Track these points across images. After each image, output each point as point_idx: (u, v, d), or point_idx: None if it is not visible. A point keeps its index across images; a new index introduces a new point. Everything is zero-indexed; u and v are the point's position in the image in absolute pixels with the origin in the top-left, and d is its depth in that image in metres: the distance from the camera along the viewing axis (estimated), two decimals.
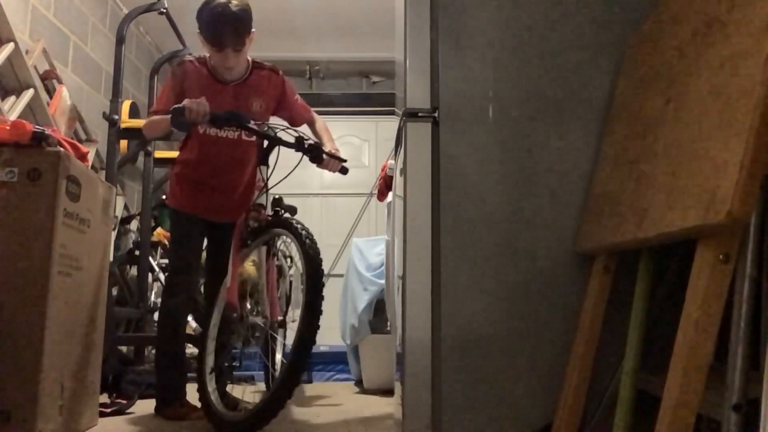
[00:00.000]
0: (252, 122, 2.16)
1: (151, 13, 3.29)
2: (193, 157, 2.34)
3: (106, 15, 4.07)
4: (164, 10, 3.26)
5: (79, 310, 1.83)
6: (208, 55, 2.29)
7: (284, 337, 3.32)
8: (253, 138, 2.29)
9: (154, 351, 3.47)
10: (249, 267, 2.27)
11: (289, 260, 3.33)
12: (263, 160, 2.19)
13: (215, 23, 2.14)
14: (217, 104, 2.14)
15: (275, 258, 2.17)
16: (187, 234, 2.34)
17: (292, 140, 2.16)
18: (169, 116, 2.09)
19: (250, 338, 2.11)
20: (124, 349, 3.38)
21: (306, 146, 2.15)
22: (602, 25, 1.69)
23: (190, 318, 3.21)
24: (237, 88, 2.31)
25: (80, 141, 3.52)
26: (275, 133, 2.18)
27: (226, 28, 2.14)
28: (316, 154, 2.17)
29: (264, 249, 2.11)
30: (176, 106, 2.05)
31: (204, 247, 2.47)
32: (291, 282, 3.29)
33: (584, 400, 1.49)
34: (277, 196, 2.35)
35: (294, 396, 1.80)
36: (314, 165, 2.23)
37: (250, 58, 2.35)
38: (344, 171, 2.27)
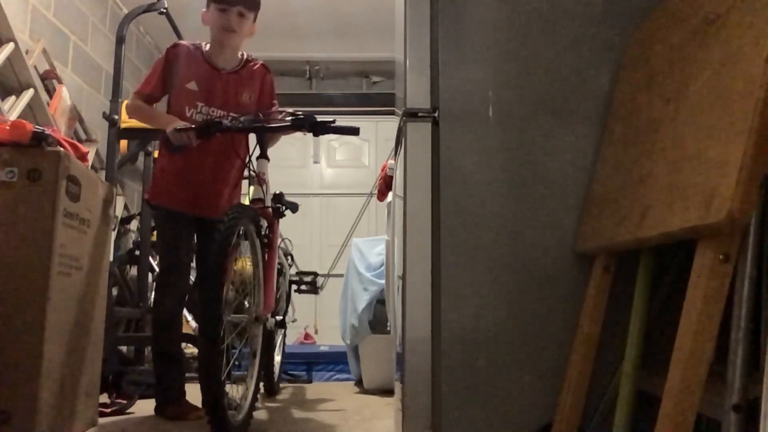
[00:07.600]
0: (241, 117, 2.13)
1: (151, 13, 3.30)
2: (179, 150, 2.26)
3: (106, 15, 4.07)
4: (164, 10, 3.26)
5: (79, 310, 1.83)
6: (204, 42, 2.31)
7: (284, 336, 3.32)
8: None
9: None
10: (247, 266, 2.20)
11: (289, 258, 3.32)
12: (262, 153, 2.14)
13: None
14: (209, 90, 2.24)
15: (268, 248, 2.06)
16: (174, 230, 2.26)
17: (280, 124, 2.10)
18: (160, 116, 2.19)
19: (251, 338, 2.09)
20: (124, 349, 3.37)
21: (303, 122, 2.04)
22: (602, 25, 1.69)
23: (190, 318, 3.21)
24: (230, 76, 2.30)
25: (80, 141, 3.52)
26: (263, 122, 2.12)
27: None
28: (316, 126, 2.05)
29: (258, 242, 2.02)
30: (164, 135, 2.13)
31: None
32: (291, 281, 3.28)
33: (584, 400, 1.49)
34: (278, 192, 2.32)
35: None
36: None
37: (245, 53, 2.36)
38: (356, 131, 2.12)
